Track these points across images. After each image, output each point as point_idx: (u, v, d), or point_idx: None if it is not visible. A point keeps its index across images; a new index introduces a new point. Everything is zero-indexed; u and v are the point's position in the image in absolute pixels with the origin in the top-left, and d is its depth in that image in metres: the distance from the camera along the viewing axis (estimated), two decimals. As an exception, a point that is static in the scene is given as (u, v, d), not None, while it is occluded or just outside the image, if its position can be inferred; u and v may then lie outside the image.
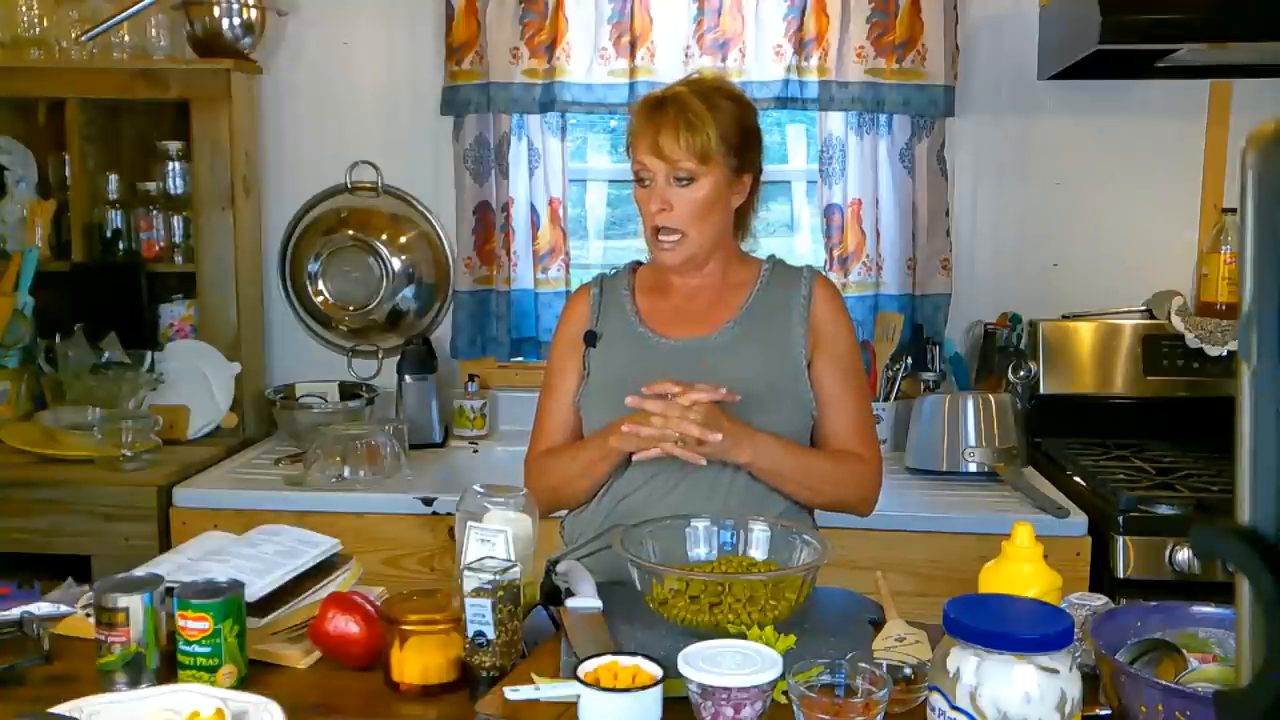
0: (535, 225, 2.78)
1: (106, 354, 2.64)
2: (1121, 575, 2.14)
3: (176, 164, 2.80)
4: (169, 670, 1.33)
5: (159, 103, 2.75)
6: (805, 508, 1.78)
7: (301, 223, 2.93)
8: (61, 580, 1.63)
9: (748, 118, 1.73)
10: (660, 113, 1.67)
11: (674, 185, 1.67)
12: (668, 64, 2.69)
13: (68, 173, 2.79)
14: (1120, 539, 2.14)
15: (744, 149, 1.71)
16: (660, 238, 1.69)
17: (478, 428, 2.81)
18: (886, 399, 2.67)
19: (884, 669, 1.20)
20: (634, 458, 1.64)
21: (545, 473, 1.77)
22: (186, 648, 1.31)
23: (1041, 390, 2.70)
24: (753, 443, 1.62)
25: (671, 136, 1.65)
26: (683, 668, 1.18)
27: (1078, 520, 2.21)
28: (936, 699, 1.08)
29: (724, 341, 1.73)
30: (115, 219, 2.79)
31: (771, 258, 1.84)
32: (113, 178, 2.78)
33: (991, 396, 2.51)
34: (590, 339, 1.77)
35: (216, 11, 2.67)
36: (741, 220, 1.81)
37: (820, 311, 1.75)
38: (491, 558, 1.36)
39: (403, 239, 2.88)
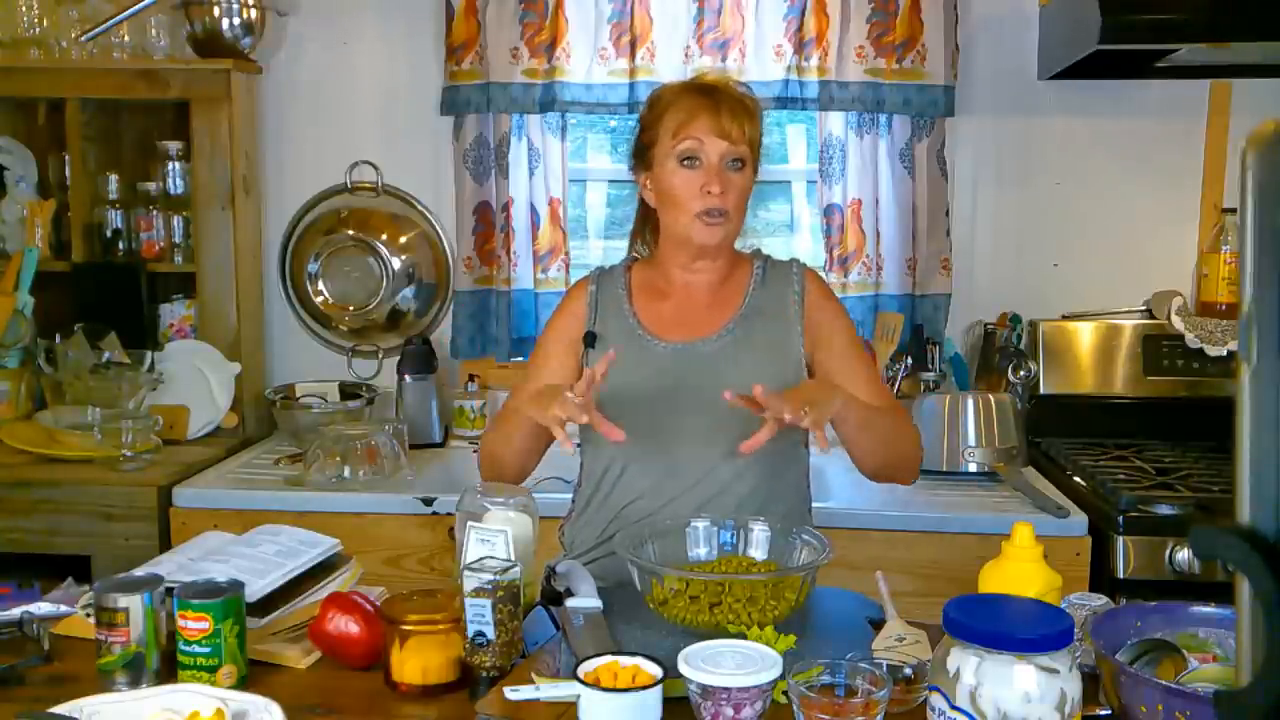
0: (535, 225, 2.78)
1: (106, 354, 2.64)
2: (1121, 575, 2.14)
3: (176, 164, 2.80)
4: (169, 670, 1.33)
5: (159, 103, 2.75)
6: (806, 510, 1.79)
7: (301, 223, 2.93)
8: (61, 580, 1.63)
9: (763, 123, 1.76)
10: (717, 98, 1.67)
11: (727, 169, 1.67)
12: (668, 64, 2.69)
13: (68, 173, 2.78)
14: (1120, 539, 2.14)
15: (760, 153, 1.74)
16: (708, 216, 1.67)
17: (478, 428, 2.81)
18: (886, 399, 2.68)
19: (884, 669, 1.20)
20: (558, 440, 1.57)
21: (486, 440, 1.81)
22: (186, 648, 1.31)
23: (1041, 390, 2.70)
24: (836, 393, 1.59)
25: (735, 120, 1.66)
26: (683, 668, 1.18)
27: (1078, 520, 2.21)
28: (936, 699, 1.08)
29: (723, 343, 1.72)
30: (115, 219, 2.79)
31: (758, 253, 1.83)
32: (113, 178, 2.78)
33: (991, 396, 2.51)
34: (590, 340, 1.76)
35: (216, 11, 2.67)
36: None
37: (814, 308, 1.75)
38: (491, 558, 1.36)
39: (403, 239, 2.88)
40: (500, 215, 2.77)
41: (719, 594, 1.40)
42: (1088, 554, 2.19)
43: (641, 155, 1.75)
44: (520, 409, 1.64)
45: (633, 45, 2.68)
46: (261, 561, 1.52)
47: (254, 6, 2.71)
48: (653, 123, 1.72)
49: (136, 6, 2.63)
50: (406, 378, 2.75)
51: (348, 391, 2.84)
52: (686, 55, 2.69)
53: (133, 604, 1.31)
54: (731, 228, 1.70)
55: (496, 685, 1.27)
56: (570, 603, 1.45)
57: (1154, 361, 2.69)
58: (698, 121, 1.66)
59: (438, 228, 2.91)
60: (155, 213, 2.80)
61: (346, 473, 2.42)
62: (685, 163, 1.67)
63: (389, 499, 2.36)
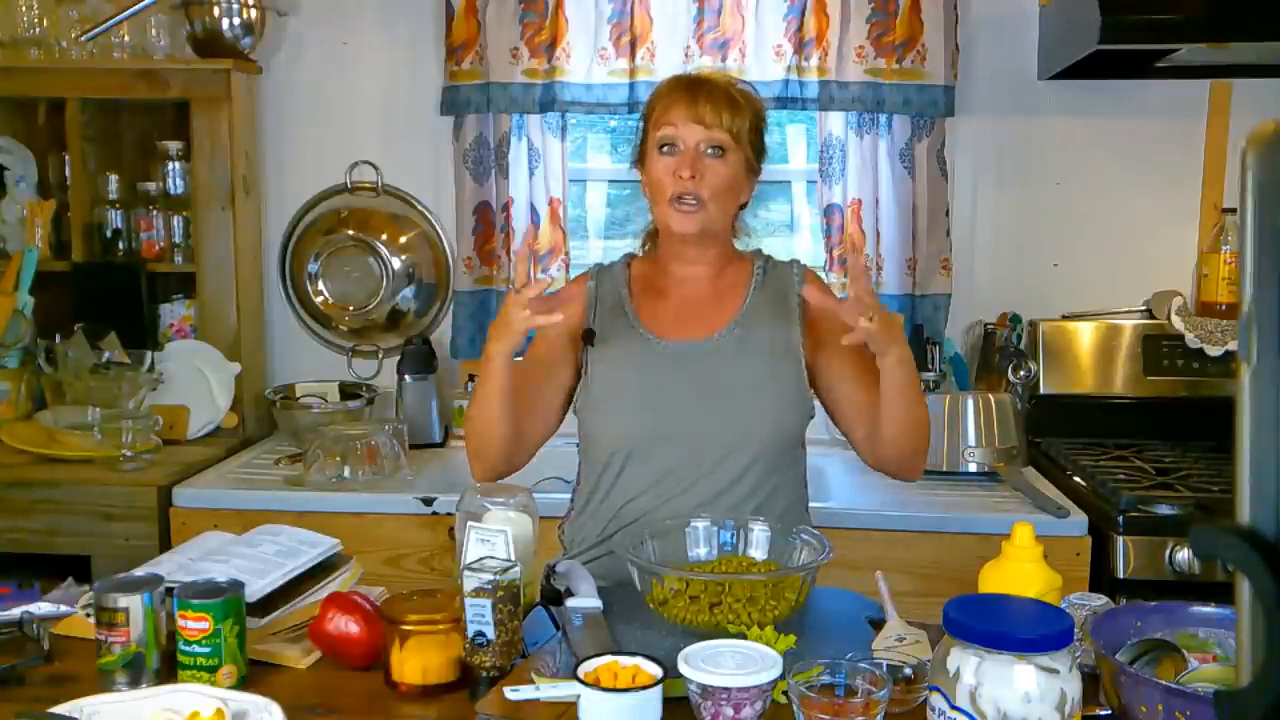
0: (535, 225, 2.77)
1: (106, 354, 2.64)
2: (1121, 575, 2.14)
3: (176, 164, 2.80)
4: (169, 670, 1.33)
5: (159, 103, 2.75)
6: (804, 510, 1.79)
7: (301, 223, 2.93)
8: (61, 580, 1.63)
9: (764, 121, 1.76)
10: (700, 87, 1.68)
11: (705, 156, 1.67)
12: (668, 64, 2.69)
13: (68, 173, 2.79)
14: (1120, 539, 2.14)
15: (759, 149, 1.74)
16: (681, 203, 1.67)
17: (478, 428, 2.81)
18: (886, 399, 2.67)
19: (884, 669, 1.20)
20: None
21: (469, 420, 1.75)
22: (186, 648, 1.31)
23: (1041, 390, 2.70)
24: (901, 338, 1.59)
25: (712, 108, 1.66)
26: (683, 668, 1.18)
27: (1078, 520, 2.21)
28: (936, 699, 1.08)
29: (725, 344, 1.73)
30: (115, 219, 2.79)
31: (759, 253, 1.83)
32: (113, 178, 2.78)
33: (991, 396, 2.51)
34: (589, 337, 1.76)
35: (216, 11, 2.67)
36: (737, 220, 1.82)
37: (816, 310, 1.75)
38: (491, 558, 1.36)
39: (403, 239, 2.88)
40: (500, 215, 2.77)
41: (719, 594, 1.40)
42: (1088, 554, 2.18)
43: (641, 151, 1.76)
44: (487, 354, 1.63)
45: (633, 45, 2.68)
46: (261, 561, 1.52)
47: (254, 6, 2.71)
48: (645, 118, 1.75)
49: (136, 6, 2.63)
50: (406, 378, 2.75)
51: (348, 391, 2.84)
52: (686, 55, 2.69)
53: (133, 604, 1.31)
54: (708, 216, 1.68)
55: (496, 685, 1.27)
56: (570, 603, 1.45)
57: (1154, 361, 2.69)
58: (675, 109, 1.68)
59: (438, 228, 2.91)
60: (155, 213, 2.80)
61: (346, 473, 2.42)
62: (663, 150, 1.69)
63: (389, 499, 2.36)
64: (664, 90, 1.73)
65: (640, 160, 1.76)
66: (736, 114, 1.67)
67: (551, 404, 1.77)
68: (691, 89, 1.69)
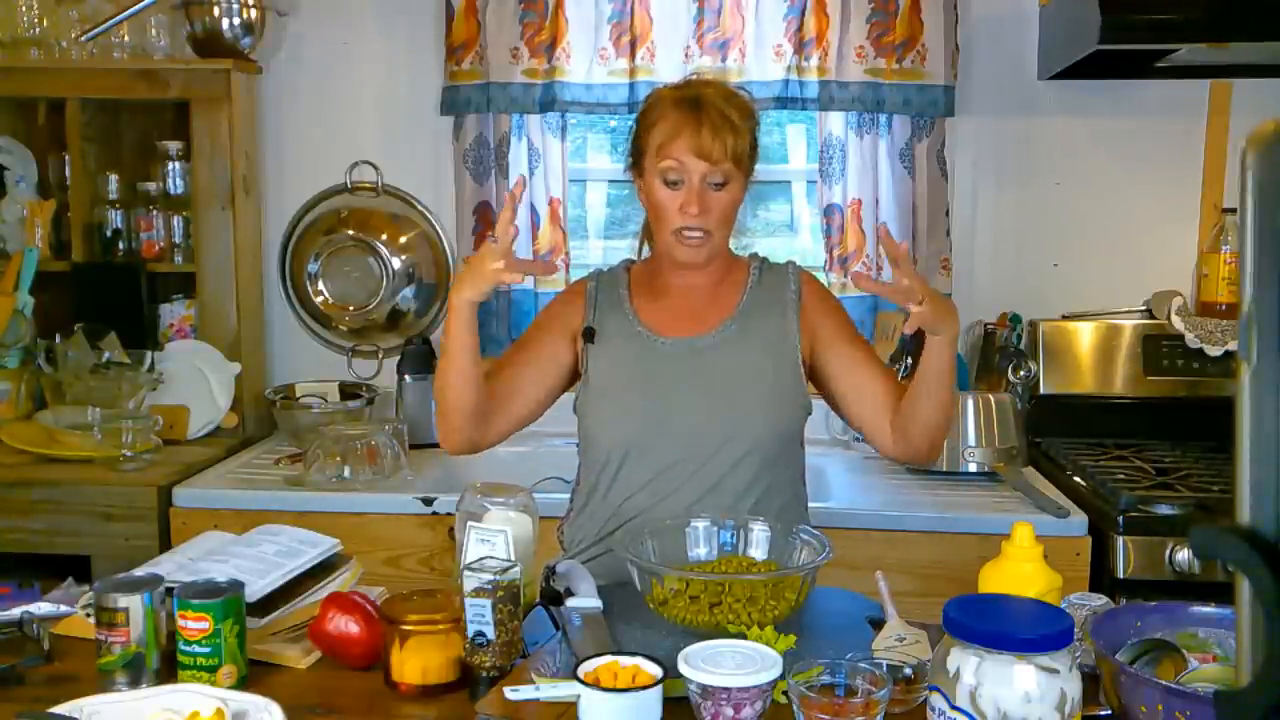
0: (535, 225, 2.78)
1: (106, 354, 2.64)
2: (1121, 575, 2.14)
3: (176, 164, 2.80)
4: (169, 670, 1.33)
5: (159, 103, 2.75)
6: (803, 508, 1.79)
7: (301, 223, 2.93)
8: (61, 580, 1.63)
9: (758, 127, 1.75)
10: (700, 114, 1.65)
11: (709, 189, 1.66)
12: (668, 64, 2.69)
13: (68, 173, 2.79)
14: (1120, 539, 2.14)
15: (754, 156, 1.73)
16: (687, 234, 1.67)
17: (478, 428, 2.81)
18: (886, 399, 2.67)
19: (884, 669, 1.20)
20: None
21: (435, 389, 1.74)
22: (186, 648, 1.31)
23: (1041, 390, 2.70)
24: (954, 319, 1.56)
25: (718, 139, 1.64)
26: (683, 668, 1.18)
27: (1078, 520, 2.21)
28: (936, 699, 1.08)
29: (722, 340, 1.73)
30: (115, 219, 2.79)
31: (755, 256, 1.84)
32: (113, 178, 2.78)
33: (991, 396, 2.50)
34: (589, 335, 1.77)
35: (216, 11, 2.67)
36: None
37: (812, 308, 1.76)
38: (491, 558, 1.37)
39: (403, 239, 2.88)
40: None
41: (719, 594, 1.40)
42: (1088, 554, 2.18)
43: (636, 159, 1.75)
44: (452, 304, 1.60)
45: (633, 45, 2.68)
46: (261, 561, 1.52)
47: (254, 6, 2.71)
48: (644, 130, 1.72)
49: (136, 6, 2.63)
50: (406, 378, 2.75)
51: (348, 391, 2.84)
52: (686, 55, 2.69)
53: (133, 604, 1.31)
54: (714, 243, 1.70)
55: (496, 685, 1.27)
56: (570, 603, 1.45)
57: (1154, 361, 2.69)
58: (679, 141, 1.65)
59: (438, 228, 2.91)
60: (155, 213, 2.80)
61: (346, 473, 2.42)
62: (667, 183, 1.67)
63: (389, 499, 2.36)
64: (662, 109, 1.69)
65: (635, 166, 1.75)
66: (738, 138, 1.65)
67: (533, 394, 1.75)
68: (693, 114, 1.65)
